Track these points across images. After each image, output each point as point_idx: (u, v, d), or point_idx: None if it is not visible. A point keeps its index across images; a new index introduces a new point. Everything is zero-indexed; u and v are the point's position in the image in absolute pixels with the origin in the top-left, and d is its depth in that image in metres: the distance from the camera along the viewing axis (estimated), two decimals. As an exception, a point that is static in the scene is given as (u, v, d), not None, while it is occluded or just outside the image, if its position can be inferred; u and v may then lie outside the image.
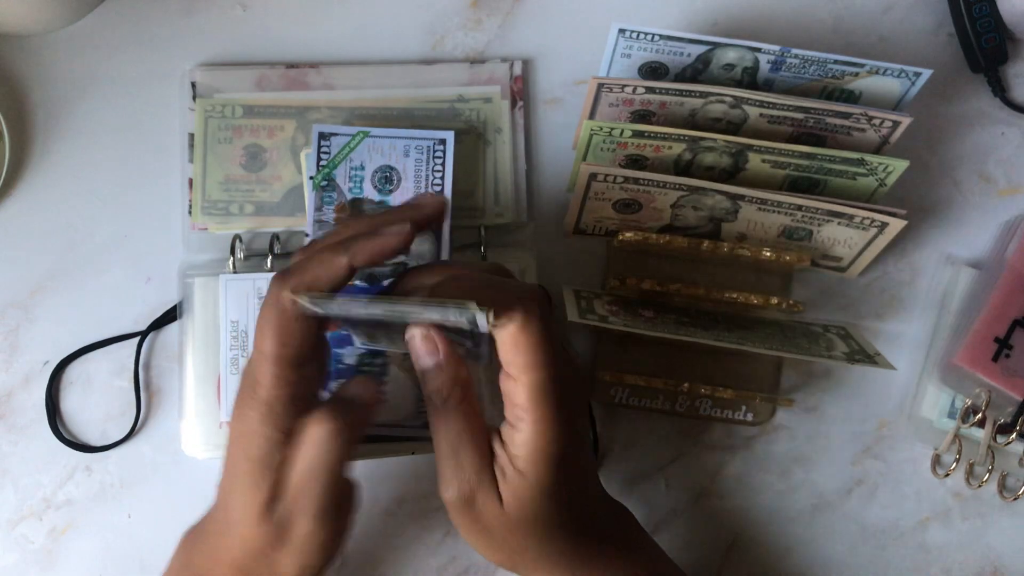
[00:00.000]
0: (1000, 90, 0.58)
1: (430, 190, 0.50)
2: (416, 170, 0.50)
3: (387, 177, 0.50)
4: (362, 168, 0.50)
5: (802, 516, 0.56)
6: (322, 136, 0.50)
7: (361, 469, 0.48)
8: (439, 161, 0.50)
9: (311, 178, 0.50)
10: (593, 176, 0.50)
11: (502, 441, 0.41)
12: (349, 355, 0.50)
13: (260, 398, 0.40)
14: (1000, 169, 0.58)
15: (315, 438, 0.39)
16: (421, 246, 0.47)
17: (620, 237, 0.53)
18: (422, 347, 0.41)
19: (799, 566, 0.55)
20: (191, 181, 0.54)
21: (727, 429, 0.56)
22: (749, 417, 0.55)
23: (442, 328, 0.41)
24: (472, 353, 0.42)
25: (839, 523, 0.56)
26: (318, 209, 0.50)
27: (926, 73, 0.50)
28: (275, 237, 0.53)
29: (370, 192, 0.50)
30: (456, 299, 0.36)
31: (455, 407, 0.41)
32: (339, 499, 0.41)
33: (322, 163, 0.50)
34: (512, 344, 0.39)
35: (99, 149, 0.56)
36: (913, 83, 0.51)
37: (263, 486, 0.40)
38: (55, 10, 0.53)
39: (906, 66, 0.50)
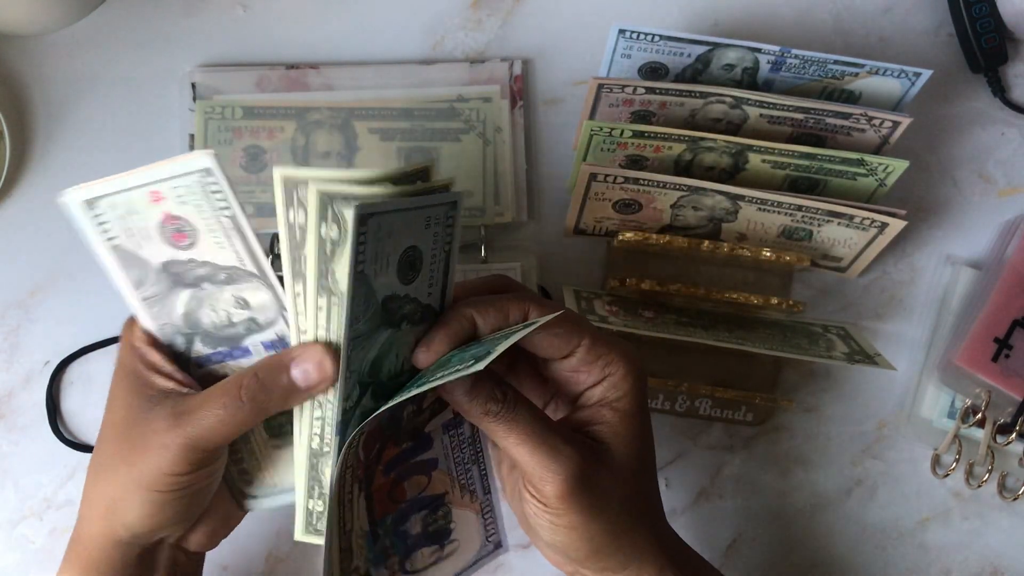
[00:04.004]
0: (1000, 90, 0.58)
1: None
2: None
3: None
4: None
5: (802, 516, 0.56)
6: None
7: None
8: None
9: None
10: (593, 176, 0.50)
11: (583, 407, 0.41)
12: (412, 526, 0.43)
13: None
14: (1000, 169, 0.58)
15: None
16: (257, 295, 0.41)
17: (620, 237, 0.53)
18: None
19: (799, 566, 0.56)
20: (191, 181, 0.54)
21: (727, 429, 0.56)
22: (749, 417, 0.55)
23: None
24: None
25: (839, 523, 0.56)
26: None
27: (926, 73, 0.50)
28: (275, 238, 0.53)
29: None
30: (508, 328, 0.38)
31: (517, 403, 0.39)
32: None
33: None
34: (558, 321, 0.40)
35: (99, 150, 0.56)
36: (913, 83, 0.51)
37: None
38: (55, 10, 0.53)
39: (906, 66, 0.50)
